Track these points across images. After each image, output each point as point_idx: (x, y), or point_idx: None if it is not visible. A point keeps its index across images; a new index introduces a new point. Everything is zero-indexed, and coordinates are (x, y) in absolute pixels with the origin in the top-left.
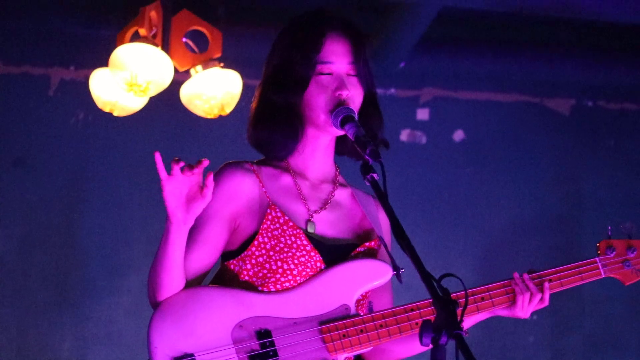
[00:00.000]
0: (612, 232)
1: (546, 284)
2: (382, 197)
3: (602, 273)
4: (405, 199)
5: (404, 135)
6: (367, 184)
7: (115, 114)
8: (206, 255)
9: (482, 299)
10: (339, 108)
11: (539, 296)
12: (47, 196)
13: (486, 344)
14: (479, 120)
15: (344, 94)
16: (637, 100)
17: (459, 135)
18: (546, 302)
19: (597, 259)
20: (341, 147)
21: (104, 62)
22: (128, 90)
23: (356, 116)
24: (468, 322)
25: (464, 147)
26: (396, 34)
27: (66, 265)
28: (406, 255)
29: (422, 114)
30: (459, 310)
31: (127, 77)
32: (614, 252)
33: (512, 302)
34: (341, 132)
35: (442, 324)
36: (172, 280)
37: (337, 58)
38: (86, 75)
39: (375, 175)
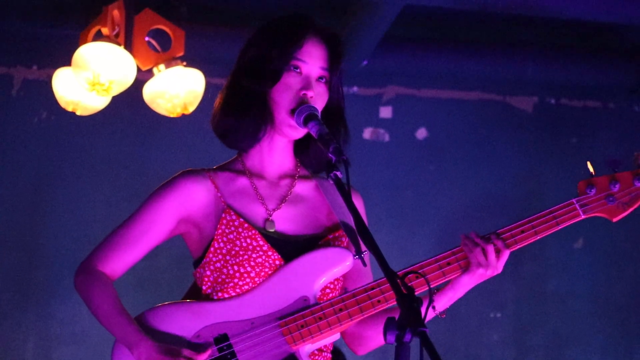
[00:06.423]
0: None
1: (495, 234)
2: (345, 195)
3: (582, 214)
4: (369, 197)
5: (367, 134)
6: (331, 182)
7: (78, 113)
8: (135, 252)
9: (440, 267)
10: (302, 106)
11: (491, 247)
12: (10, 195)
13: (450, 342)
14: (442, 118)
15: (309, 93)
16: (599, 98)
17: (421, 133)
18: (507, 249)
19: (574, 200)
20: (300, 150)
21: (67, 62)
22: (91, 90)
23: (319, 115)
24: (441, 303)
25: (427, 144)
26: (359, 33)
27: (30, 264)
28: (370, 252)
29: (385, 112)
30: (423, 308)
31: (90, 77)
32: (594, 189)
33: (468, 266)
34: (302, 131)
35: (406, 321)
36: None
37: (311, 60)
38: (49, 74)
39: (338, 173)
